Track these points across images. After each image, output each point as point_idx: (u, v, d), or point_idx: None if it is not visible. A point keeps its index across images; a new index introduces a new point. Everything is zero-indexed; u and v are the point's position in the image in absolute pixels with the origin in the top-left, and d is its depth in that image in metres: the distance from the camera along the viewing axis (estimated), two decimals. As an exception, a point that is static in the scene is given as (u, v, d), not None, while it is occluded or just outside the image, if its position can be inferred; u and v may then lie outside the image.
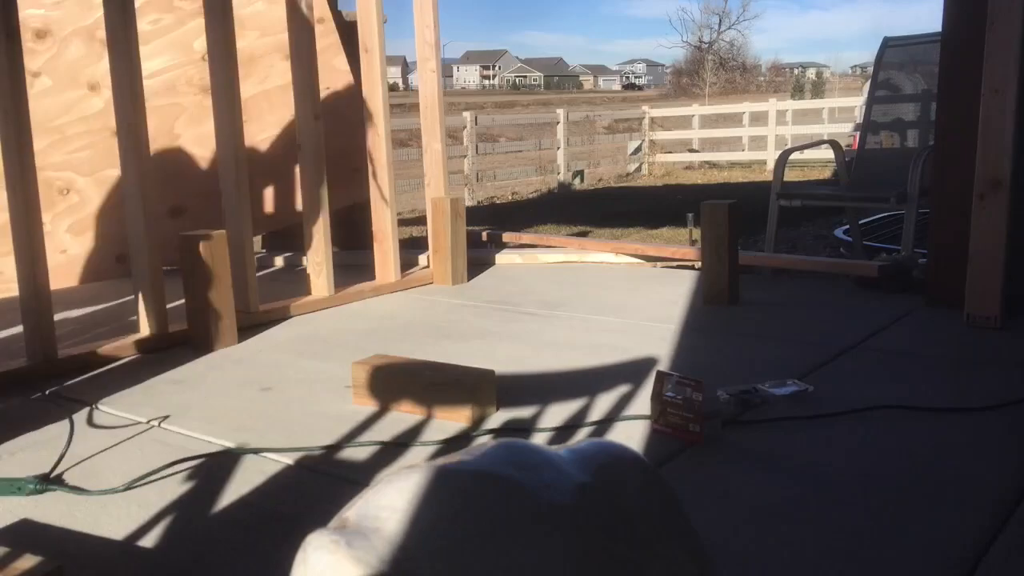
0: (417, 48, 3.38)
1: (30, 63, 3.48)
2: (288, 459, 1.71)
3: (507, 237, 4.24)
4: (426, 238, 3.57)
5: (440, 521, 0.82)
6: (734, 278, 2.97)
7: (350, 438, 1.82)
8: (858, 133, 4.97)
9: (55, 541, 1.41)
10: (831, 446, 1.73)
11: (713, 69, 53.72)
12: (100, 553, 1.36)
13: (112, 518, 1.48)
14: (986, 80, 2.55)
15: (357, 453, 1.74)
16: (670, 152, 15.22)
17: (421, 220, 7.44)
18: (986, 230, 2.58)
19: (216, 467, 1.69)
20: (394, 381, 1.98)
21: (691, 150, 15.57)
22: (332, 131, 3.76)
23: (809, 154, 9.77)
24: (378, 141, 3.23)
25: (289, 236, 3.94)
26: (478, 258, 3.80)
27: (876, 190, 4.03)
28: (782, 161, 4.25)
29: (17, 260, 2.22)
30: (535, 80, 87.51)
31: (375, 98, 3.23)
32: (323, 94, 3.77)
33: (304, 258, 3.27)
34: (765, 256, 3.87)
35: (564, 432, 1.82)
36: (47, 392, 2.18)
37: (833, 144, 4.56)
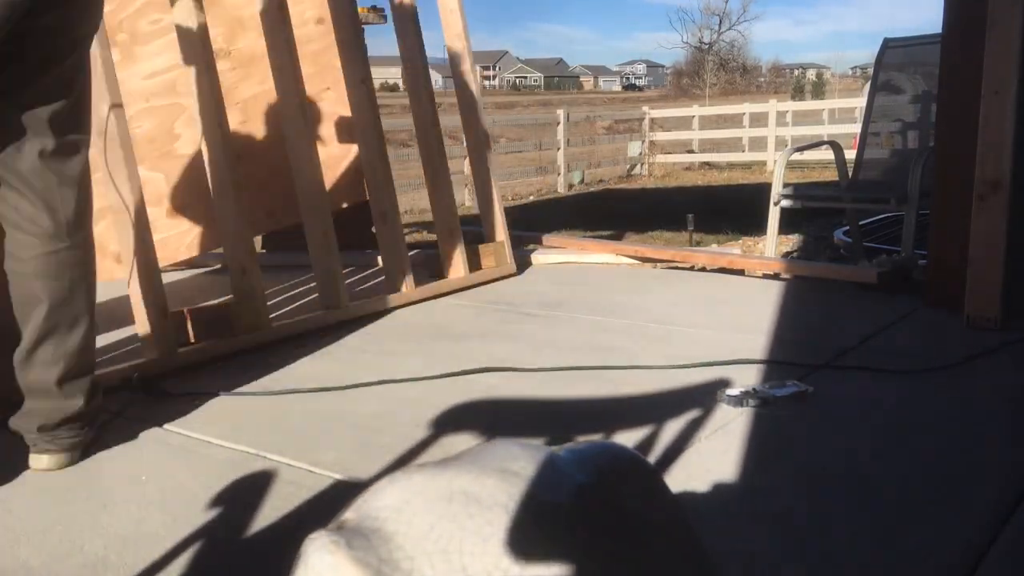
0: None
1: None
2: (288, 460, 1.71)
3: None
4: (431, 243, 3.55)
5: (440, 521, 0.82)
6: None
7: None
8: (858, 134, 4.97)
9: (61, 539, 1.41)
10: (830, 446, 1.73)
11: (713, 70, 53.73)
12: (99, 553, 1.36)
13: (111, 517, 1.48)
14: (986, 81, 2.55)
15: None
16: (670, 153, 15.22)
17: (419, 224, 7.44)
18: (986, 231, 2.57)
19: (214, 465, 1.69)
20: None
21: (690, 151, 15.57)
22: (332, 132, 3.76)
23: (809, 155, 9.77)
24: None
25: (289, 236, 3.94)
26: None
27: (876, 191, 4.02)
28: (782, 162, 4.25)
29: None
30: (535, 81, 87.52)
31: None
32: (324, 94, 3.77)
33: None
34: (766, 260, 3.88)
35: (561, 435, 1.81)
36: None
37: (833, 145, 4.56)
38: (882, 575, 1.25)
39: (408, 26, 3.39)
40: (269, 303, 2.69)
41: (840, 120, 15.79)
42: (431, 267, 3.50)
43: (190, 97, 3.94)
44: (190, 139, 3.76)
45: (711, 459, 1.66)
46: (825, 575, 1.26)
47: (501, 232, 3.60)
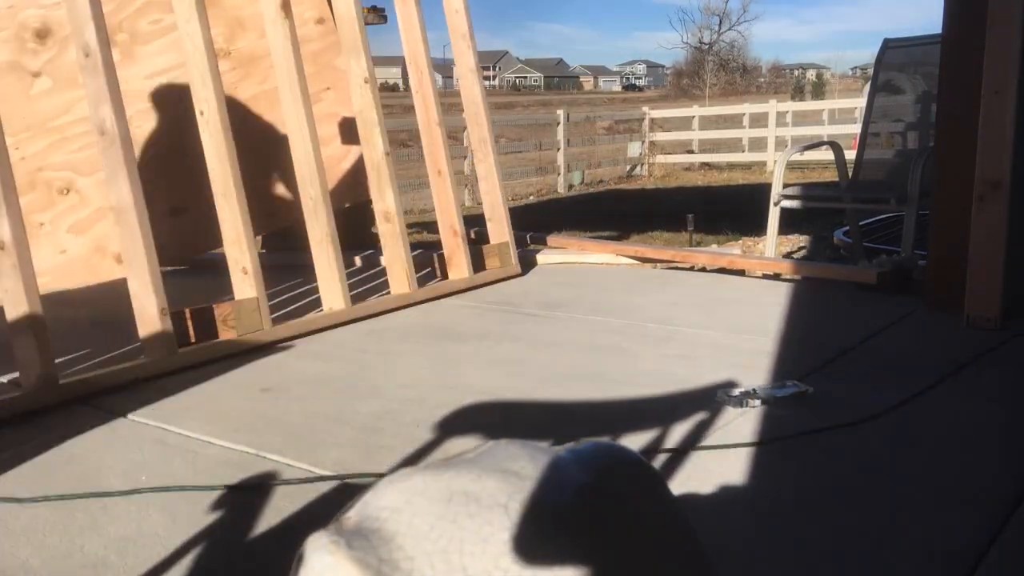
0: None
1: (30, 63, 3.48)
2: (288, 460, 1.71)
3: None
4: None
5: (440, 521, 0.82)
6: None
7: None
8: (858, 134, 4.97)
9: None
10: (830, 446, 1.72)
11: (713, 70, 53.73)
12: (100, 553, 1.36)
13: (111, 517, 1.47)
14: (986, 81, 2.55)
15: (357, 453, 1.73)
16: (670, 153, 15.22)
17: (420, 224, 7.43)
18: (986, 231, 2.57)
19: (214, 465, 1.69)
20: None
21: (690, 151, 15.57)
22: (333, 132, 3.76)
23: (809, 155, 9.77)
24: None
25: (290, 236, 3.94)
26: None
27: (876, 191, 4.02)
28: (782, 162, 4.25)
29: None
30: (535, 81, 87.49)
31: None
32: (324, 94, 3.77)
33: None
34: (765, 261, 3.87)
35: (562, 435, 1.82)
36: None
37: (833, 146, 4.56)
38: (882, 575, 1.25)
39: (412, 21, 3.38)
40: (270, 303, 2.69)
41: (840, 120, 15.79)
42: (434, 267, 3.51)
43: (190, 97, 3.93)
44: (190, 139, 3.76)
45: (711, 459, 1.66)
46: (825, 575, 1.25)
47: (505, 232, 3.60)
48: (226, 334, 2.55)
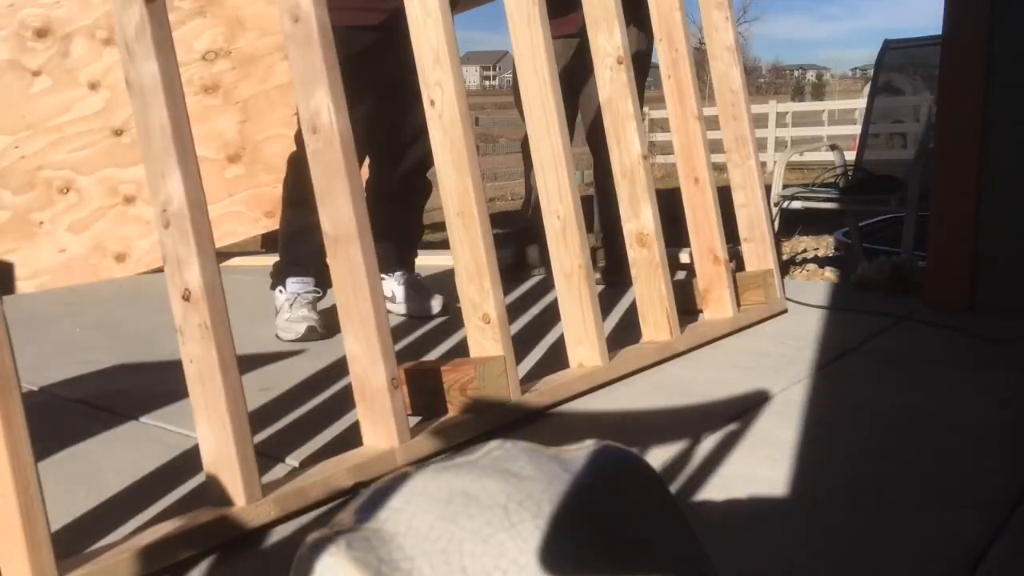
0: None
1: (30, 62, 3.48)
2: (287, 460, 1.71)
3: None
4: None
5: (440, 521, 0.82)
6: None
7: (349, 438, 1.81)
8: (858, 135, 4.98)
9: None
10: (829, 448, 1.72)
11: (713, 71, 53.67)
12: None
13: (113, 518, 1.47)
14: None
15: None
16: (670, 154, 15.21)
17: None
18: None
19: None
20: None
21: (691, 152, 15.57)
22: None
23: (809, 156, 9.78)
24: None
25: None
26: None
27: (876, 192, 4.03)
28: (782, 163, 4.26)
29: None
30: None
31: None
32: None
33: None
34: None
35: (562, 436, 1.81)
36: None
37: (833, 147, 4.57)
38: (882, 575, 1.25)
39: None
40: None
41: (840, 121, 15.81)
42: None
43: (190, 97, 3.97)
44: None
45: (710, 460, 1.66)
46: (823, 575, 1.26)
47: (769, 258, 2.88)
48: (457, 407, 1.84)
